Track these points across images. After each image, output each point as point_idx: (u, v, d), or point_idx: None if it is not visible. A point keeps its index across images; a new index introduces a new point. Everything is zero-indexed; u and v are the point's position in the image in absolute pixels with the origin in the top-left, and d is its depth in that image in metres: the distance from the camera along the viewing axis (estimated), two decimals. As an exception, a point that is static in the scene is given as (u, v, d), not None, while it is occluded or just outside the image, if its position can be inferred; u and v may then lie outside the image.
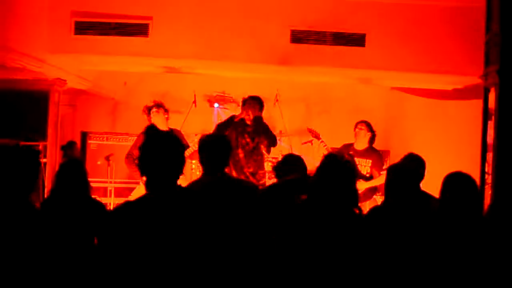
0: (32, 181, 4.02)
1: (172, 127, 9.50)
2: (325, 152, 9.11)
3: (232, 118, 8.81)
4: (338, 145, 9.16)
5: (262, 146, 9.27)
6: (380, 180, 8.44)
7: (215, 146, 4.94)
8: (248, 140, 8.76)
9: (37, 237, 3.90)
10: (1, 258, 3.75)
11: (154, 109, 8.96)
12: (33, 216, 3.96)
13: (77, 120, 11.62)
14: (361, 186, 8.45)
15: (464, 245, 4.21)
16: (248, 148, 8.78)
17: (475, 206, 4.41)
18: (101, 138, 10.92)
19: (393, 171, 4.84)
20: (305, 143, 10.15)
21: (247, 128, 8.71)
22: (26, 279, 3.83)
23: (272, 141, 8.89)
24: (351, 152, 8.99)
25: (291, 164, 5.63)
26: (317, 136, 9.32)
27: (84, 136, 10.93)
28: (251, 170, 8.79)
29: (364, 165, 8.89)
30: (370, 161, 8.78)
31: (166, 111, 9.07)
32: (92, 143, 10.86)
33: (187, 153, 9.26)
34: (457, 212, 4.30)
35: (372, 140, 8.93)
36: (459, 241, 4.22)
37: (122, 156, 9.71)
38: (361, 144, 8.90)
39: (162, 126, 9.16)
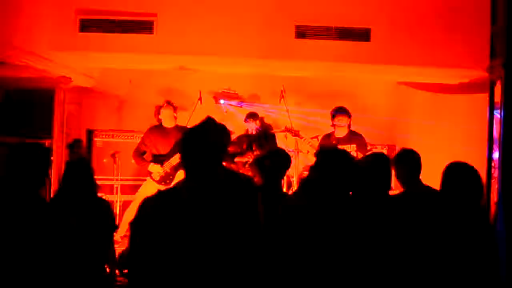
0: (42, 176, 4.10)
1: (178, 123, 9.58)
2: (310, 149, 9.17)
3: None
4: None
5: None
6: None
7: None
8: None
9: (47, 227, 3.97)
10: (12, 249, 3.80)
11: (164, 104, 9.23)
12: (44, 208, 4.05)
13: (82, 118, 11.60)
14: None
15: (465, 234, 4.20)
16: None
17: (477, 194, 4.39)
18: (107, 136, 10.93)
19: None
20: (312, 138, 10.14)
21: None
22: (33, 271, 3.88)
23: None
24: (333, 142, 9.04)
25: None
26: (297, 134, 9.37)
27: (90, 134, 10.95)
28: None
29: (349, 151, 8.94)
30: (354, 145, 8.89)
31: (175, 108, 9.32)
32: (98, 140, 10.88)
33: None
34: (458, 201, 4.29)
35: (350, 124, 9.05)
36: (460, 230, 4.21)
37: (128, 154, 9.77)
38: (342, 131, 8.99)
39: (170, 122, 9.34)
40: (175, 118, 9.54)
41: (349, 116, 9.15)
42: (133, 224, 3.54)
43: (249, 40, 9.26)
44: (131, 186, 10.53)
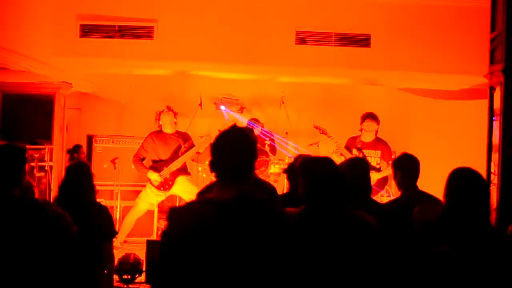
0: (15, 176, 4.11)
1: (178, 129, 9.58)
2: (335, 149, 9.20)
3: None
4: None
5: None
6: (390, 170, 8.51)
7: None
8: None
9: (22, 226, 3.97)
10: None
11: (164, 110, 9.24)
12: (17, 207, 4.04)
13: (82, 123, 11.63)
14: (373, 177, 8.49)
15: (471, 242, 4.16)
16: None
17: (484, 202, 4.33)
18: (107, 141, 10.92)
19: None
20: (312, 144, 10.15)
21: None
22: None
23: None
24: (359, 146, 9.08)
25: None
26: (324, 132, 9.42)
27: (90, 139, 10.94)
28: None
29: (373, 156, 9.04)
30: (379, 152, 8.93)
31: (175, 114, 9.33)
32: (98, 146, 10.86)
33: (190, 153, 9.38)
34: (465, 209, 4.23)
35: (377, 131, 9.09)
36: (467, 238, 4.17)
37: (128, 159, 9.76)
38: (369, 136, 9.02)
39: (170, 128, 9.34)
40: (175, 123, 9.54)
41: (378, 122, 9.19)
42: (165, 235, 3.42)
43: (249, 46, 9.28)
44: (131, 191, 10.51)
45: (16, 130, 9.41)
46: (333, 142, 9.40)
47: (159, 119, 9.51)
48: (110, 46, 9.24)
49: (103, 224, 5.77)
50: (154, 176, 9.33)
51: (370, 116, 9.28)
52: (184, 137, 9.55)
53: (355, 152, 9.23)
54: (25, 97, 9.70)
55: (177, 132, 9.55)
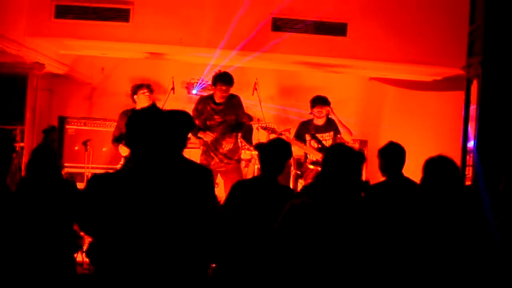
0: (6, 164, 4.03)
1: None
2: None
3: (202, 98, 8.91)
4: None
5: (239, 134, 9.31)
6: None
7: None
8: (215, 117, 8.75)
9: (13, 218, 3.91)
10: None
11: (144, 90, 8.83)
12: (9, 198, 3.97)
13: (53, 105, 11.51)
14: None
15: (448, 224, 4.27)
16: (215, 124, 8.76)
17: (457, 187, 4.46)
18: (79, 123, 10.82)
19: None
20: (284, 131, 10.17)
21: (215, 107, 8.72)
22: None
23: (245, 116, 8.94)
24: (312, 132, 9.06)
25: None
26: (274, 131, 9.27)
27: (62, 121, 10.81)
28: (224, 151, 8.80)
29: (327, 139, 9.00)
30: (332, 131, 8.94)
31: (152, 92, 8.98)
32: (70, 128, 10.75)
33: None
34: (438, 194, 4.35)
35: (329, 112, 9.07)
36: (442, 219, 4.28)
37: (100, 142, 9.70)
38: (321, 120, 9.00)
39: (145, 105, 9.14)
40: (152, 100, 9.32)
41: (328, 105, 9.09)
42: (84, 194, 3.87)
43: (225, 31, 9.24)
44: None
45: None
46: (285, 136, 9.32)
47: (135, 94, 9.19)
48: (85, 28, 9.15)
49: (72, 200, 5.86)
50: (126, 152, 9.24)
51: (319, 102, 9.12)
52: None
53: (308, 138, 9.15)
54: (-3, 77, 9.57)
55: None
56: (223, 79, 8.66)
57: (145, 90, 8.84)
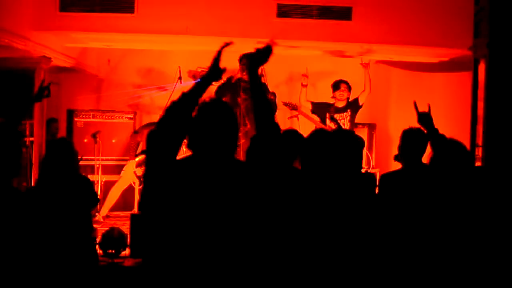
0: (13, 164, 3.99)
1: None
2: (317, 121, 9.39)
3: (229, 79, 8.94)
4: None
5: None
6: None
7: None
8: (244, 96, 8.81)
9: (21, 220, 3.90)
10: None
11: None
12: (17, 200, 3.95)
13: (62, 98, 11.53)
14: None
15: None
16: (244, 104, 8.83)
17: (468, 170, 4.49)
18: (87, 116, 10.87)
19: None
20: (291, 117, 10.20)
21: (243, 85, 8.78)
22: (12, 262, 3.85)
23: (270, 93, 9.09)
24: (332, 114, 9.29)
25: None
26: (295, 107, 9.51)
27: (71, 114, 10.88)
28: (246, 128, 8.86)
29: (344, 118, 9.28)
30: (349, 110, 9.21)
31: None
32: (78, 120, 10.80)
33: None
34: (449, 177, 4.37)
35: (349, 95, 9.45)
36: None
37: (109, 133, 9.73)
38: (342, 102, 9.33)
39: None
40: None
41: (349, 88, 9.46)
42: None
43: (230, 19, 9.23)
44: (112, 166, 10.51)
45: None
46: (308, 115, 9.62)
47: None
48: (90, 20, 9.14)
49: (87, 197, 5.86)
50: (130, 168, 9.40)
51: (343, 84, 9.54)
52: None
53: (328, 122, 9.45)
54: (4, 72, 9.58)
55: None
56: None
57: None
